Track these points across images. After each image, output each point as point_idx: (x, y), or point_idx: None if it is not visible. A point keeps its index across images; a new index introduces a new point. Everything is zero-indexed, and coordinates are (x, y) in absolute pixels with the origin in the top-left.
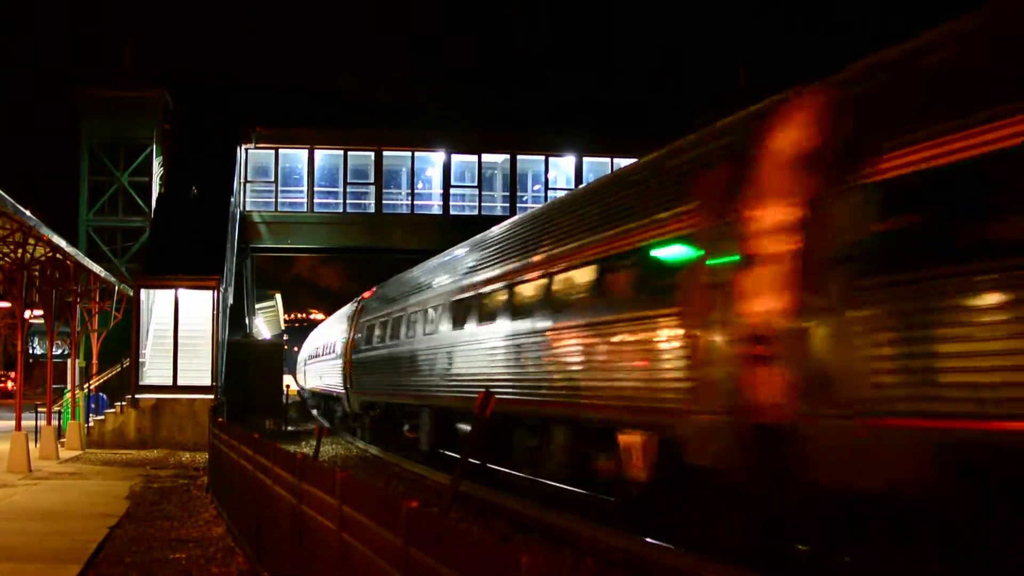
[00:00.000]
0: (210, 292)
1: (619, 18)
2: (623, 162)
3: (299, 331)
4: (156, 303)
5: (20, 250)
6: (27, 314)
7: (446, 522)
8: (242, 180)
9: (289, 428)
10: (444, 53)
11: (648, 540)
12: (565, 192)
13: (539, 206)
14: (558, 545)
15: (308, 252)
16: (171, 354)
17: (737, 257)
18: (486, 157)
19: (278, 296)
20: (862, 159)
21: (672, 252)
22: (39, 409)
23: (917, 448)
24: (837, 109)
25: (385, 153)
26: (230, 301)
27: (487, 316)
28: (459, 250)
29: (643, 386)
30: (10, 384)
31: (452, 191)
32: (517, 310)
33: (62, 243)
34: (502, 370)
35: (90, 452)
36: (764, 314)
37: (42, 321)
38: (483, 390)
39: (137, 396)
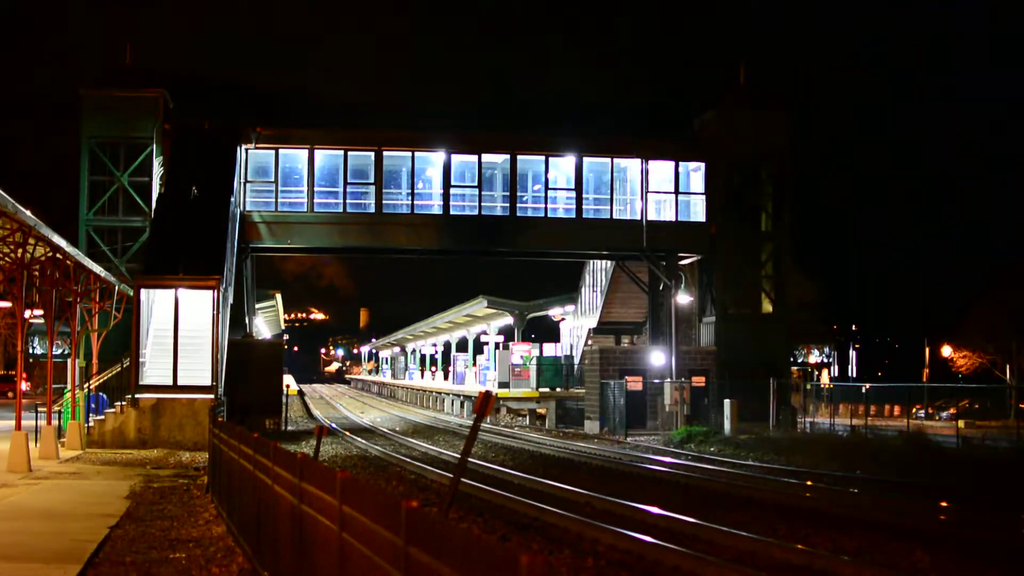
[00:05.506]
0: (210, 292)
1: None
2: (623, 162)
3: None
4: (156, 303)
5: (20, 250)
6: (27, 314)
7: (446, 522)
8: (242, 180)
9: (289, 428)
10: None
11: (648, 540)
12: (564, 192)
13: None
14: (558, 545)
15: (308, 252)
16: (171, 354)
17: None
18: (486, 157)
19: (278, 296)
20: None
21: None
22: (39, 409)
23: None
24: None
25: (385, 153)
26: (230, 301)
27: None
28: None
29: None
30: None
31: (452, 191)
32: None
33: (62, 243)
34: None
35: (90, 452)
36: None
37: (42, 321)
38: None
39: (137, 396)
